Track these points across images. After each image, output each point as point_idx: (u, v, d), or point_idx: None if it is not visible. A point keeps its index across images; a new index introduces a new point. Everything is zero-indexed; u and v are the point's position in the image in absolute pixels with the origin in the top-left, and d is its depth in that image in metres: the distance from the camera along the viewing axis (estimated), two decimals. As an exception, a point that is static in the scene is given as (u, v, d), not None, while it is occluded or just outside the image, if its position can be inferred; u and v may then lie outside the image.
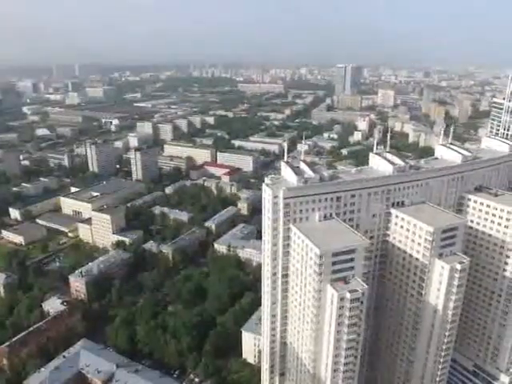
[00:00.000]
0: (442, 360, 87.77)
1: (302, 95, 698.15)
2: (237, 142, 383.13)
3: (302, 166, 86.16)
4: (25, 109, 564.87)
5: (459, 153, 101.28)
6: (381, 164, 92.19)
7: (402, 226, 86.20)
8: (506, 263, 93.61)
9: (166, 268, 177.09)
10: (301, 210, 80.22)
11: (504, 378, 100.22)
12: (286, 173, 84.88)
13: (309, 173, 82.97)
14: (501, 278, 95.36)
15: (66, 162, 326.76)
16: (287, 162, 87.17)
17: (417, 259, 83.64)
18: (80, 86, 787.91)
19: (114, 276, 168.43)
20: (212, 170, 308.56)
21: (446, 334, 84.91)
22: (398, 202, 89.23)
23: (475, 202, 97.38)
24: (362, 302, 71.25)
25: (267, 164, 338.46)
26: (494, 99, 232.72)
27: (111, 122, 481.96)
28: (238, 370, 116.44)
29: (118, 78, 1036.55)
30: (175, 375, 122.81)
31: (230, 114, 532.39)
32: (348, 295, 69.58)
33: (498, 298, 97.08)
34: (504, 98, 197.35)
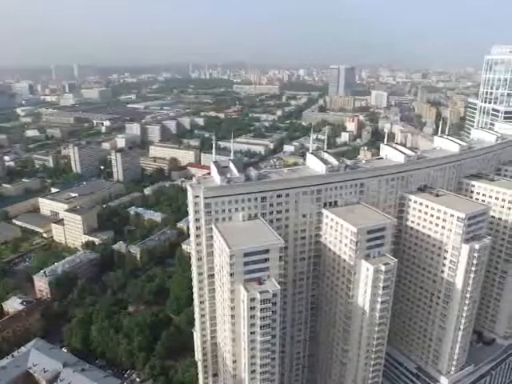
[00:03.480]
0: (373, 362, 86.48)
1: (297, 96, 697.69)
2: (223, 143, 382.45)
3: (231, 165, 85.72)
4: (18, 110, 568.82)
5: (403, 153, 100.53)
6: (315, 163, 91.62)
7: (331, 227, 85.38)
8: (444, 265, 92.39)
9: (133, 268, 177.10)
10: (223, 210, 79.55)
11: (444, 381, 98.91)
12: (213, 172, 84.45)
13: (234, 172, 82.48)
14: (439, 279, 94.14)
15: (50, 163, 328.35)
16: (215, 162, 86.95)
17: (344, 260, 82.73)
18: (76, 88, 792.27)
19: (80, 276, 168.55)
20: (194, 171, 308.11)
21: (375, 336, 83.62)
22: (330, 202, 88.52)
23: (415, 202, 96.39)
24: (274, 303, 70.18)
25: (252, 164, 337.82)
26: (469, 99, 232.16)
27: (102, 124, 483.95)
28: (185, 370, 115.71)
29: (116, 80, 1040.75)
30: (126, 375, 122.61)
31: (222, 115, 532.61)
32: (258, 296, 68.65)
33: (437, 299, 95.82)
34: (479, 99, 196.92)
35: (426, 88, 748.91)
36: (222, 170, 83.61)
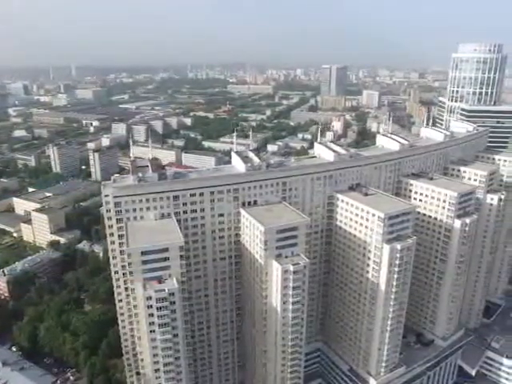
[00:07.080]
0: (290, 363, 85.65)
1: (290, 96, 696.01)
2: (207, 143, 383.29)
3: (149, 165, 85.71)
4: (10, 110, 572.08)
5: (334, 151, 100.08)
6: (238, 163, 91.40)
7: (247, 226, 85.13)
8: (368, 265, 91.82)
9: (95, 267, 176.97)
10: (134, 209, 79.48)
11: (373, 382, 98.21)
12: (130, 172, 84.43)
13: (149, 172, 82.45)
14: (365, 280, 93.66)
15: (33, 163, 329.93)
16: (132, 162, 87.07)
17: (257, 260, 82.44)
18: (71, 88, 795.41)
19: (41, 275, 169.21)
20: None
21: (290, 337, 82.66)
22: (249, 202, 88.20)
23: (342, 201, 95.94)
24: (172, 302, 70.06)
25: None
26: (440, 98, 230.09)
27: (91, 124, 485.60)
28: (123, 369, 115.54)
29: (113, 80, 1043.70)
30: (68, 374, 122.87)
31: (211, 115, 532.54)
32: (153, 294, 68.52)
33: (364, 300, 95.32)
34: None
35: (422, 87, 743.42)
36: (137, 169, 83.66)
